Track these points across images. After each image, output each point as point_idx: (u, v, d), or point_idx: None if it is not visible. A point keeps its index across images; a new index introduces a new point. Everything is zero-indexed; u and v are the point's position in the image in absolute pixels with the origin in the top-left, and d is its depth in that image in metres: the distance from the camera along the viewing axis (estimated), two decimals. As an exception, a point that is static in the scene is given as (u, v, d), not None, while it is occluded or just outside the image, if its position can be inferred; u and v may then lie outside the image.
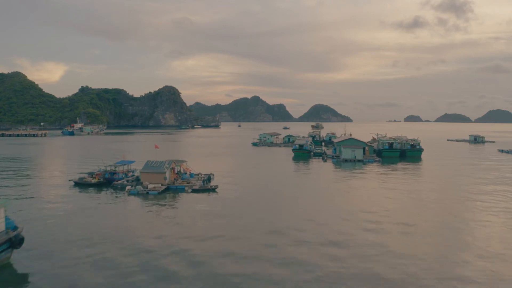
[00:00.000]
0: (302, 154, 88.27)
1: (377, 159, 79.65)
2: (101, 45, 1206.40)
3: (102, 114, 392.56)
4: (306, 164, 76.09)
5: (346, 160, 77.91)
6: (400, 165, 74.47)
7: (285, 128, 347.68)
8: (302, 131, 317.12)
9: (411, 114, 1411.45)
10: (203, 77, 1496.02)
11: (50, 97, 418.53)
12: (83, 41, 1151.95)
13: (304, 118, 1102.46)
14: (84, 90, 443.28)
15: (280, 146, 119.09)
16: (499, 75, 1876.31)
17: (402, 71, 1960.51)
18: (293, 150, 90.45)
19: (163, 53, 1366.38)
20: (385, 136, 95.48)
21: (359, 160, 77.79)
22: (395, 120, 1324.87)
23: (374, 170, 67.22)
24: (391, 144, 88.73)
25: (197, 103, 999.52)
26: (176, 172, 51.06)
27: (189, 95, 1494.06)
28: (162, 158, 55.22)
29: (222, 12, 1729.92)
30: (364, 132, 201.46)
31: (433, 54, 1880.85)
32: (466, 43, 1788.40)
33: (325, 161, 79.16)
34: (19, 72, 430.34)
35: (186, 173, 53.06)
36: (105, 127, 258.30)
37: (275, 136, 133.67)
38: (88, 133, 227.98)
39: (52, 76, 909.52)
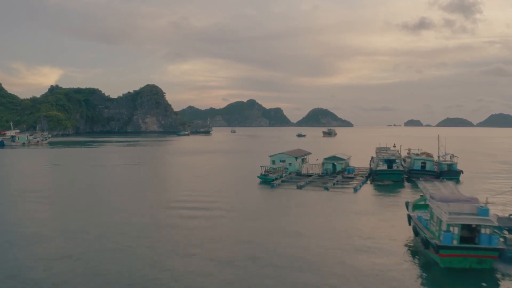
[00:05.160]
0: (487, 263, 22.81)
1: None
2: (96, 48, 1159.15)
3: (69, 118, 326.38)
4: None
5: None
6: None
7: (299, 135, 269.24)
8: (312, 136, 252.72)
9: (411, 118, 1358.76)
10: (199, 82, 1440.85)
11: (11, 97, 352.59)
12: (78, 45, 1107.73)
13: (303, 122, 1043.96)
14: (53, 90, 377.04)
15: (326, 187, 51.00)
16: (500, 78, 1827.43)
17: (402, 74, 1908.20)
18: (440, 251, 23.46)
19: (158, 58, 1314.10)
20: None
21: None
22: (395, 125, 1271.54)
23: None
24: None
25: (190, 107, 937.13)
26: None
27: (185, 100, 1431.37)
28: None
29: (217, 16, 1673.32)
30: (388, 140, 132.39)
31: (434, 57, 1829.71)
32: (470, 46, 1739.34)
33: None
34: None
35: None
36: (50, 135, 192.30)
37: (301, 157, 68.47)
38: (24, 143, 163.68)
39: (48, 80, 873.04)
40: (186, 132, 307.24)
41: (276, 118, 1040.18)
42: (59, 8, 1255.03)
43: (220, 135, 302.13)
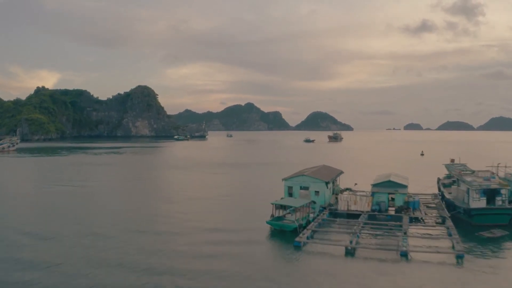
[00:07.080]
0: None
1: None
2: (95, 52, 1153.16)
3: (54, 121, 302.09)
4: None
5: None
6: None
7: (307, 140, 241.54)
8: (316, 141, 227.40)
9: (411, 122, 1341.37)
10: (197, 85, 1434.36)
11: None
12: (76, 49, 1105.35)
13: (302, 126, 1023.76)
14: (39, 92, 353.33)
15: (403, 253, 26.06)
16: (500, 81, 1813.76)
17: (402, 78, 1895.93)
18: None
19: (156, 61, 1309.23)
20: None
21: None
22: (394, 129, 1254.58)
23: None
24: None
25: (186, 110, 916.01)
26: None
27: (183, 103, 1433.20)
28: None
29: (216, 20, 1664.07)
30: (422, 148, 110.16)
31: (434, 60, 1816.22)
32: (470, 49, 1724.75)
33: None
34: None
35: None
36: (19, 141, 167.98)
37: (331, 184, 42.38)
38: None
39: (46, 83, 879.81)
40: (185, 137, 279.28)
41: (274, 121, 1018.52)
42: (58, 12, 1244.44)
43: (215, 139, 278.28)
